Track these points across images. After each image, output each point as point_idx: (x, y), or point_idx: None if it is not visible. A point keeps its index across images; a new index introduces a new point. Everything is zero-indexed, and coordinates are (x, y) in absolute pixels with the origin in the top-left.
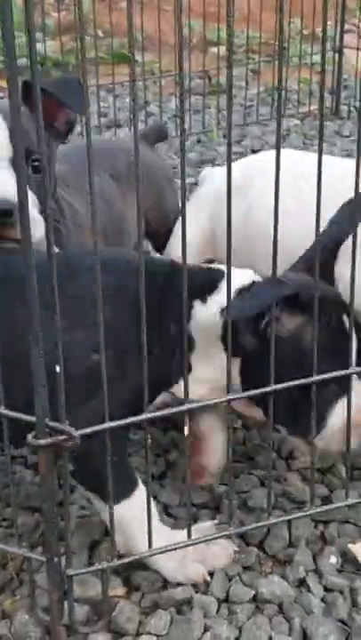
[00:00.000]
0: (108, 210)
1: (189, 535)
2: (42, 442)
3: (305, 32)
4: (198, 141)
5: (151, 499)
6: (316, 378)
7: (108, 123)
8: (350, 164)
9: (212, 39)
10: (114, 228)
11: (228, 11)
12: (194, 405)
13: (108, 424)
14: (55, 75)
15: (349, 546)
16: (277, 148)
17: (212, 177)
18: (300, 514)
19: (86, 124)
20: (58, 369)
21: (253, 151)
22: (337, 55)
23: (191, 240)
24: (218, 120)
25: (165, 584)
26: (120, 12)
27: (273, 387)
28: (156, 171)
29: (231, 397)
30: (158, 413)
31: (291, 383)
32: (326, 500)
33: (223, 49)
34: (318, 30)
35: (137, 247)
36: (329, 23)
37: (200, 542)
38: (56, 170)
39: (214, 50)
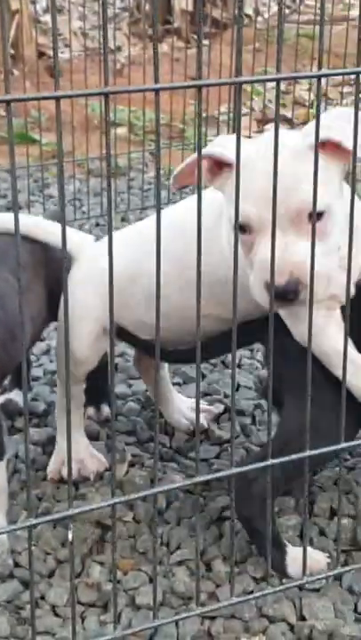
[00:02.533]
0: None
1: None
2: None
3: (203, 115)
4: (97, 225)
5: None
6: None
7: (7, 204)
8: None
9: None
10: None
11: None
12: (77, 510)
13: None
14: None
15: None
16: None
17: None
18: (184, 615)
19: None
20: None
21: None
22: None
23: None
24: (116, 203)
25: None
26: (19, 91)
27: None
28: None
29: None
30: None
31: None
32: (212, 596)
33: (124, 130)
34: (215, 113)
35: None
36: (224, 107)
37: None
38: None
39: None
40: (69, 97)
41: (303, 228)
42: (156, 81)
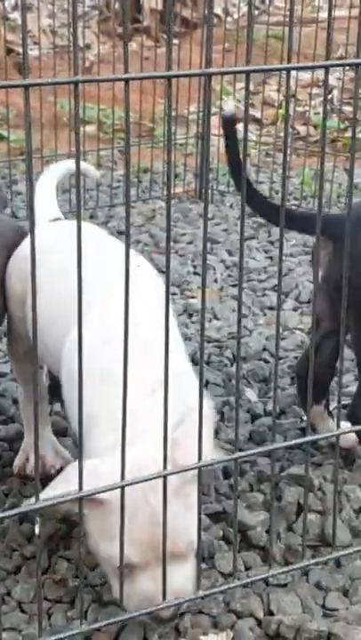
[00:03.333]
0: None
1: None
2: None
3: (173, 113)
4: None
5: None
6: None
7: None
8: None
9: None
10: None
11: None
12: (43, 503)
13: None
14: None
15: (201, 638)
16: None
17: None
18: (151, 608)
19: None
20: None
21: (119, 232)
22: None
23: None
24: (84, 201)
25: None
26: None
27: None
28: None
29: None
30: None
31: None
32: None
33: (92, 128)
34: (184, 112)
35: None
36: (194, 107)
37: None
38: None
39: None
40: (39, 85)
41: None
42: (126, 71)
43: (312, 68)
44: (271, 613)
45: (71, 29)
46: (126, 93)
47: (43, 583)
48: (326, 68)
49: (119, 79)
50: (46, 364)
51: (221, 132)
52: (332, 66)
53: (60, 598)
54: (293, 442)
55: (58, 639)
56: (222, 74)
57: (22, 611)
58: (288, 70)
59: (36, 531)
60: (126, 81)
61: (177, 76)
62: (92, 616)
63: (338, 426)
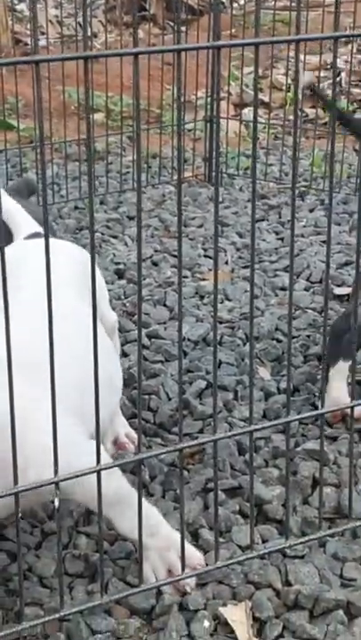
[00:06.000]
0: None
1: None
2: None
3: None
4: (76, 208)
5: None
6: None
7: None
8: None
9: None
10: None
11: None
12: (62, 476)
13: None
14: None
15: (221, 609)
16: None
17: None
18: (169, 579)
19: None
20: None
21: (129, 217)
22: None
23: None
24: (95, 187)
25: None
26: None
27: None
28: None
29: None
30: (32, 485)
31: None
32: None
33: (101, 116)
34: (192, 98)
35: None
36: (201, 92)
37: None
38: None
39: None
40: (48, 61)
41: None
42: (135, 45)
43: (321, 39)
44: (289, 584)
45: (78, 18)
46: (135, 67)
47: (63, 558)
48: (335, 39)
49: (128, 53)
50: None
51: (230, 114)
52: (341, 37)
53: (81, 573)
54: (308, 414)
55: (78, 611)
56: (231, 46)
57: (44, 585)
58: (297, 42)
59: (56, 503)
60: (135, 55)
61: (185, 50)
62: (113, 590)
63: (352, 398)
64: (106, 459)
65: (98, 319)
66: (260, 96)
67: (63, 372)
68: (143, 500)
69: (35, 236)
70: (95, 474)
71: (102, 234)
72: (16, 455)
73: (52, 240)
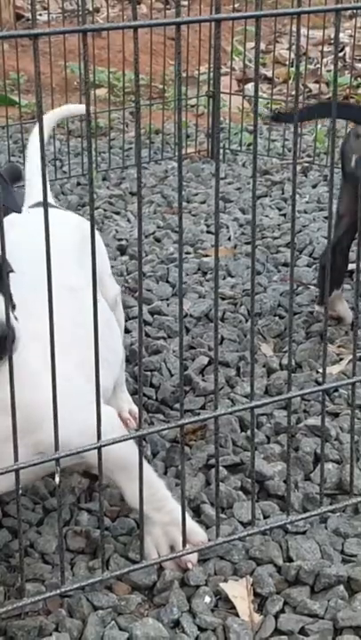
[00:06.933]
0: None
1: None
2: None
3: (183, 75)
4: (78, 184)
5: None
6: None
7: None
8: None
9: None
10: None
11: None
12: (63, 453)
13: None
14: None
15: (221, 585)
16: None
17: None
18: (171, 555)
19: None
20: None
21: (132, 194)
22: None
23: None
24: (97, 163)
25: None
26: None
27: None
28: None
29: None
30: (33, 461)
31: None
32: None
33: (104, 91)
34: (195, 73)
35: None
36: (204, 67)
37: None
38: None
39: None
40: (47, 34)
41: None
42: (135, 18)
43: (323, 12)
44: (290, 560)
45: None
46: (135, 40)
47: (65, 534)
48: (338, 11)
49: (127, 26)
50: None
51: (234, 90)
52: (344, 9)
53: (82, 549)
54: (310, 390)
55: (80, 587)
56: (232, 19)
57: (45, 562)
58: (299, 14)
59: (57, 480)
60: (135, 28)
61: (186, 23)
62: (114, 566)
63: (353, 374)
64: (118, 425)
65: (98, 290)
66: (264, 71)
67: (81, 346)
68: (152, 472)
69: (39, 204)
70: (106, 443)
71: (105, 210)
72: (16, 429)
73: (52, 210)
